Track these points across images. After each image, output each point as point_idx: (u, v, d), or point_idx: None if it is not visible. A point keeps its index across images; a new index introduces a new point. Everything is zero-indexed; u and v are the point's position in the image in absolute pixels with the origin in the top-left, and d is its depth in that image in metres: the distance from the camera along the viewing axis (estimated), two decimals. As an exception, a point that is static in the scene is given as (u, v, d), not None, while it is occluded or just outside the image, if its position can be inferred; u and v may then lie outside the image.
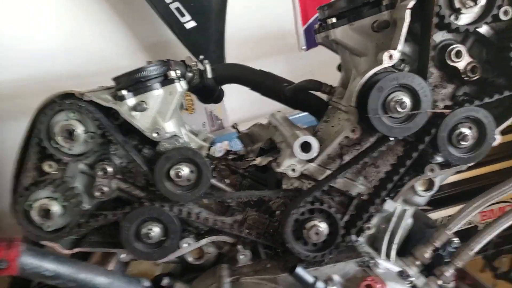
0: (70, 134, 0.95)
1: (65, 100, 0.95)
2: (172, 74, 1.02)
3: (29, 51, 1.91)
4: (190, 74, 1.19)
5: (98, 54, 1.97)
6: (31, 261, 0.90)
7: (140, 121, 1.00)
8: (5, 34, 1.90)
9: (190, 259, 1.08)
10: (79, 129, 0.95)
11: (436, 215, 1.75)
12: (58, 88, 0.98)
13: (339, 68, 1.18)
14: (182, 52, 1.79)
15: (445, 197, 1.75)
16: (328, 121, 1.09)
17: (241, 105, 2.03)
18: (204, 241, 1.04)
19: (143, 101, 1.00)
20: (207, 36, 1.79)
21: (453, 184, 1.77)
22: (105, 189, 1.01)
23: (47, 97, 0.96)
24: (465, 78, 0.98)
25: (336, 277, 0.97)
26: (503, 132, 1.02)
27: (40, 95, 0.99)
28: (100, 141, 0.97)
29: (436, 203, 1.68)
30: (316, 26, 1.14)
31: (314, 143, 0.98)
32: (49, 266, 0.92)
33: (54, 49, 1.94)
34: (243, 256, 1.04)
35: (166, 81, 1.02)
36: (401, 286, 0.97)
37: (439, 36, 0.98)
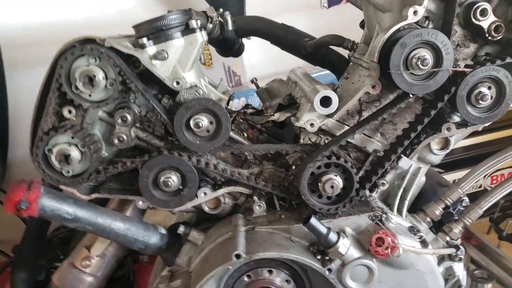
0: (90, 80, 0.95)
1: (86, 45, 0.95)
2: (194, 23, 1.01)
3: (44, -1, 1.89)
4: (210, 25, 1.17)
5: (114, 4, 1.94)
6: (51, 203, 0.93)
7: (161, 70, 1.00)
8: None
9: (206, 208, 1.11)
10: (100, 75, 0.95)
11: (448, 177, 1.76)
12: (73, 37, 0.97)
13: (362, 25, 1.17)
14: (200, 5, 1.76)
15: (457, 161, 1.77)
16: (349, 77, 1.09)
17: (259, 62, 2.02)
18: (221, 191, 1.07)
19: (163, 50, 0.99)
20: (228, -11, 1.76)
21: (466, 148, 1.78)
22: (124, 137, 1.02)
23: (67, 42, 0.96)
24: (489, 38, 0.97)
25: (349, 230, 1.00)
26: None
27: (54, 44, 0.98)
28: (120, 88, 0.98)
29: (447, 166, 1.70)
30: (341, -21, 1.12)
31: (334, 98, 0.99)
32: (68, 209, 0.95)
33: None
34: (259, 207, 1.06)
35: (187, 30, 1.01)
36: (411, 240, 1.00)
37: (466, -7, 0.97)
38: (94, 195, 1.07)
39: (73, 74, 0.96)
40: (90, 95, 0.98)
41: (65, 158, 0.99)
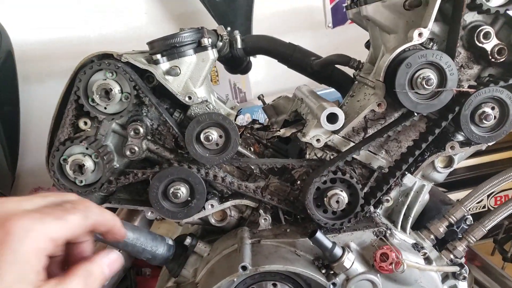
0: (107, 93, 0.99)
1: (104, 60, 0.99)
2: (206, 41, 1.05)
3: (59, 14, 1.95)
4: (220, 43, 1.22)
5: (126, 21, 2.00)
6: None
7: (173, 85, 1.04)
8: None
9: (213, 220, 1.13)
10: (116, 89, 0.99)
11: (450, 197, 1.78)
12: (87, 53, 1.01)
13: (368, 45, 1.20)
14: (209, 24, 1.82)
15: (460, 181, 1.78)
16: (354, 95, 1.12)
17: (264, 79, 2.06)
18: (228, 204, 1.09)
19: (176, 66, 1.03)
20: (235, 8, 1.82)
21: (468, 168, 1.80)
22: (136, 149, 1.05)
23: (86, 56, 1.00)
24: (492, 60, 1.00)
25: (353, 245, 1.02)
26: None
27: (68, 59, 1.03)
28: (135, 101, 1.01)
29: (451, 185, 1.72)
30: (348, 1, 1.16)
31: (341, 115, 1.02)
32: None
33: (84, 14, 1.98)
34: (264, 220, 1.08)
35: (199, 48, 1.06)
36: (415, 257, 1.01)
37: (469, 17, 1.00)
38: (104, 205, 1.10)
39: (91, 87, 0.99)
40: (105, 108, 1.01)
41: (79, 168, 1.02)
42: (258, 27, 1.92)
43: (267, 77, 2.02)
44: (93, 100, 1.00)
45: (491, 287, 1.67)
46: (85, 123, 1.04)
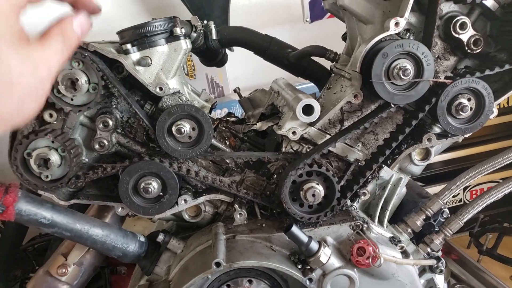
0: (73, 84, 0.94)
1: (70, 48, 0.94)
2: (178, 30, 1.01)
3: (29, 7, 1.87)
4: (194, 34, 1.18)
5: (100, 15, 1.93)
6: (28, 207, 0.91)
7: (144, 75, 1.00)
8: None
9: (186, 216, 1.09)
10: (83, 79, 0.94)
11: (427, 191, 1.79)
12: None
13: (344, 37, 1.18)
14: (185, 16, 1.77)
15: (437, 175, 1.79)
16: (331, 88, 1.10)
17: (242, 73, 2.03)
18: (202, 199, 1.06)
19: (147, 56, 0.99)
20: (211, 1, 1.77)
21: (445, 162, 1.80)
22: (105, 142, 1.01)
23: (50, 45, 0.95)
24: (468, 51, 0.99)
25: (330, 239, 1.00)
26: (499, 113, 1.04)
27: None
28: (103, 92, 0.97)
29: (427, 180, 1.72)
30: (325, -9, 1.14)
31: (316, 106, 0.99)
32: (46, 213, 0.93)
33: (55, 7, 1.90)
34: (240, 215, 1.05)
35: (172, 37, 1.02)
36: (392, 251, 1.00)
37: (446, 7, 0.99)
38: (72, 201, 1.05)
39: (56, 77, 0.94)
40: (72, 99, 0.97)
41: (45, 162, 0.97)
42: (235, 21, 1.88)
43: (245, 71, 1.99)
44: (58, 91, 0.95)
45: (467, 280, 1.69)
46: (51, 115, 0.99)
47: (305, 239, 0.94)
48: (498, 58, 1.01)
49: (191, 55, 1.77)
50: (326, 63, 1.25)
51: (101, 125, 1.00)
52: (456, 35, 0.98)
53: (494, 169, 1.06)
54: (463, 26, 0.97)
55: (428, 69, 0.94)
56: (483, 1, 0.96)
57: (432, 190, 1.80)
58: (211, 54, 1.31)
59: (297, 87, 1.26)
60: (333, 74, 1.16)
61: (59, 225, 0.94)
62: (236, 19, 1.87)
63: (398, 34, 0.97)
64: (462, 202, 1.88)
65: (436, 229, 1.11)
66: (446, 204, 1.11)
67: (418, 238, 1.12)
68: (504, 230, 1.79)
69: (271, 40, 1.27)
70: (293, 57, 1.22)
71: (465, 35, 0.98)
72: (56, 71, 0.58)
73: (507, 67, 0.96)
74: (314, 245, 0.94)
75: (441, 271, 1.09)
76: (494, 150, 1.85)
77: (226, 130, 1.18)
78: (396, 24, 0.94)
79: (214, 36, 1.25)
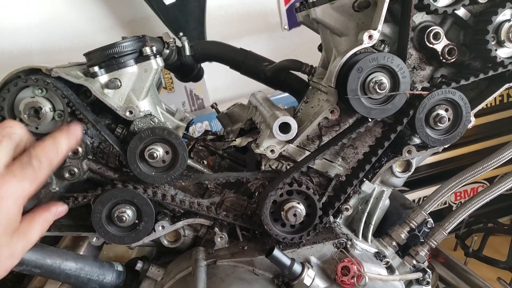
0: (36, 112, 0.90)
1: (31, 75, 0.90)
2: (148, 50, 0.98)
3: None
4: (167, 51, 1.14)
5: (72, 29, 1.89)
6: None
7: (113, 99, 0.96)
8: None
9: (165, 242, 1.06)
10: (46, 107, 0.90)
11: (413, 195, 1.78)
12: (29, 64, 0.92)
13: (320, 48, 1.16)
14: (160, 29, 1.74)
15: (422, 178, 1.78)
16: (308, 101, 1.07)
17: (222, 84, 2.00)
18: (180, 224, 1.02)
19: (116, 78, 0.95)
20: (187, 13, 1.73)
21: (430, 165, 1.80)
22: (76, 170, 0.96)
23: (11, 72, 0.90)
24: (443, 60, 0.98)
25: (314, 259, 0.97)
26: (478, 115, 1.03)
27: (5, 71, 0.94)
28: (70, 119, 0.93)
29: (413, 184, 1.71)
30: (297, 4, 1.11)
31: (293, 124, 0.97)
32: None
33: (26, 24, 1.85)
34: (220, 239, 1.02)
35: (141, 57, 0.98)
36: (377, 267, 0.98)
37: (418, 18, 0.98)
38: (44, 233, 1.01)
39: (17, 106, 0.90)
40: (37, 128, 0.92)
41: (11, 195, 0.92)
42: (212, 32, 1.85)
43: (225, 82, 1.95)
44: (21, 120, 0.90)
45: (455, 283, 1.69)
46: (16, 146, 0.94)
47: (287, 262, 0.91)
48: (473, 66, 1.00)
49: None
50: (305, 75, 1.22)
51: (70, 153, 0.96)
52: (430, 45, 0.96)
53: (474, 178, 1.05)
54: (436, 36, 0.95)
55: (404, 81, 0.92)
56: (455, 11, 0.95)
57: (419, 194, 1.81)
58: (186, 70, 1.28)
59: (275, 97, 1.24)
60: (310, 87, 1.14)
61: (27, 262, 0.89)
62: (212, 30, 1.84)
63: (373, 46, 0.95)
64: (447, 205, 1.88)
65: (421, 240, 1.10)
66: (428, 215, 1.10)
67: (404, 250, 1.10)
68: (489, 231, 1.79)
69: (246, 53, 1.24)
70: (269, 71, 1.19)
71: (439, 45, 0.96)
72: None
73: (481, 76, 0.95)
74: (297, 268, 0.91)
75: (427, 283, 1.07)
76: (478, 150, 1.86)
77: (203, 149, 1.15)
78: (370, 37, 0.92)
79: (187, 52, 1.21)
